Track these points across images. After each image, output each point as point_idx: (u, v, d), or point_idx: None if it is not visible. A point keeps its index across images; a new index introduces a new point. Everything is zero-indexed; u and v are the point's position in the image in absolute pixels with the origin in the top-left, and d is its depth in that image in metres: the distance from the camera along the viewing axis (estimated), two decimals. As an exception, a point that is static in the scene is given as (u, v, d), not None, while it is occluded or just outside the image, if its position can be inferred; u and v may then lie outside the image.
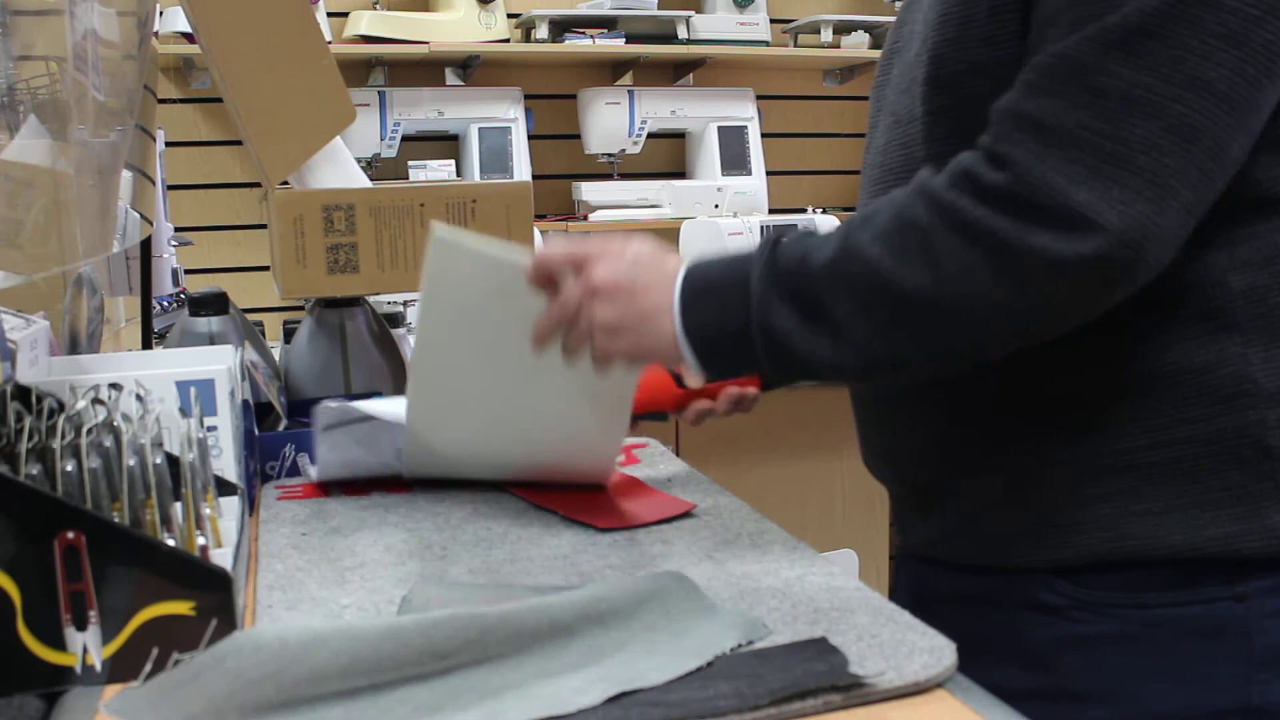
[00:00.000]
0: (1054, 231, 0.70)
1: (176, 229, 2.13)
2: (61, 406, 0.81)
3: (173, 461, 0.80)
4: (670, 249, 0.84)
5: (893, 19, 3.46)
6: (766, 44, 2.96)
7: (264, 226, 1.89)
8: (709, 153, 2.96)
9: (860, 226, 0.77)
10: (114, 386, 0.84)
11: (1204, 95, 0.69)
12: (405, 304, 2.31)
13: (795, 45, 3.05)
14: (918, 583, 0.94)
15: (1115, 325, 0.77)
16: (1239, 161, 0.73)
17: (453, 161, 2.76)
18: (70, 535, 0.65)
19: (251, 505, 1.03)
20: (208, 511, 0.83)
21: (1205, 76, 0.69)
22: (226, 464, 0.96)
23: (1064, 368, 0.80)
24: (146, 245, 1.56)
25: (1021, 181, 0.71)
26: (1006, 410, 0.83)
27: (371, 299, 1.37)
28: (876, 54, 2.99)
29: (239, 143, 2.38)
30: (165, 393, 0.92)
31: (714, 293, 0.80)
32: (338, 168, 1.30)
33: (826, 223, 2.63)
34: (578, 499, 1.02)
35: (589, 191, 2.88)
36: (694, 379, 0.94)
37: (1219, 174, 0.72)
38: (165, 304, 2.01)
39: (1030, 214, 0.70)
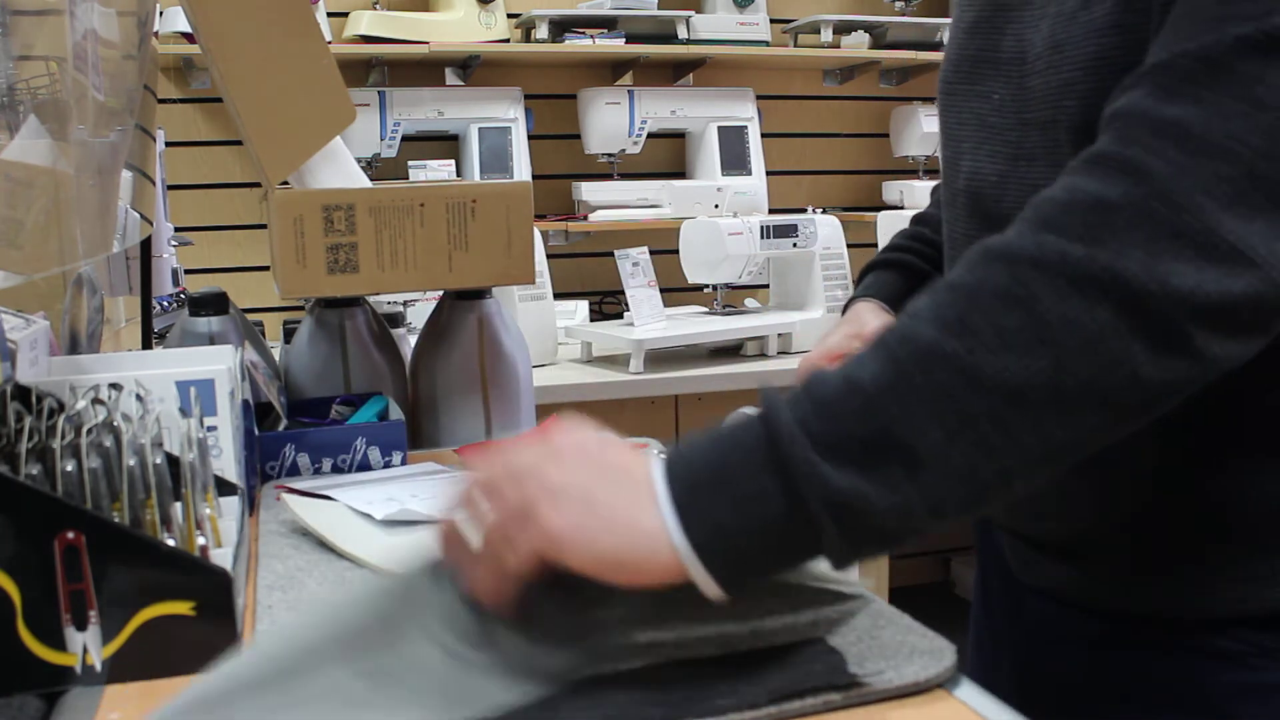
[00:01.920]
0: (1196, 265, 0.57)
1: (176, 229, 2.13)
2: (61, 406, 0.81)
3: (173, 461, 0.80)
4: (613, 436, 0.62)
5: (893, 19, 3.43)
6: (766, 44, 2.96)
7: (264, 226, 1.89)
8: (709, 153, 2.96)
9: (910, 323, 0.59)
10: (114, 386, 0.84)
11: None
12: (405, 304, 2.31)
13: (795, 45, 3.05)
14: (1051, 622, 0.85)
15: None
16: None
17: (453, 161, 2.76)
18: (70, 535, 0.65)
19: (251, 505, 1.03)
20: (208, 511, 0.83)
21: None
22: (226, 464, 0.96)
23: (1252, 413, 0.71)
24: (146, 245, 1.57)
25: (1159, 196, 0.58)
26: (1187, 455, 0.73)
27: (371, 299, 1.37)
28: (876, 54, 2.99)
29: (239, 143, 2.38)
30: (165, 393, 0.92)
31: (719, 484, 0.57)
32: (338, 168, 1.30)
33: (826, 222, 2.62)
34: None
35: (589, 191, 2.88)
36: None
37: None
38: (165, 304, 2.01)
39: (1166, 242, 0.57)
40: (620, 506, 0.58)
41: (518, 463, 0.60)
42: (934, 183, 1.08)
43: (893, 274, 0.98)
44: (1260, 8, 0.59)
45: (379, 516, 0.96)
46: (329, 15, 2.71)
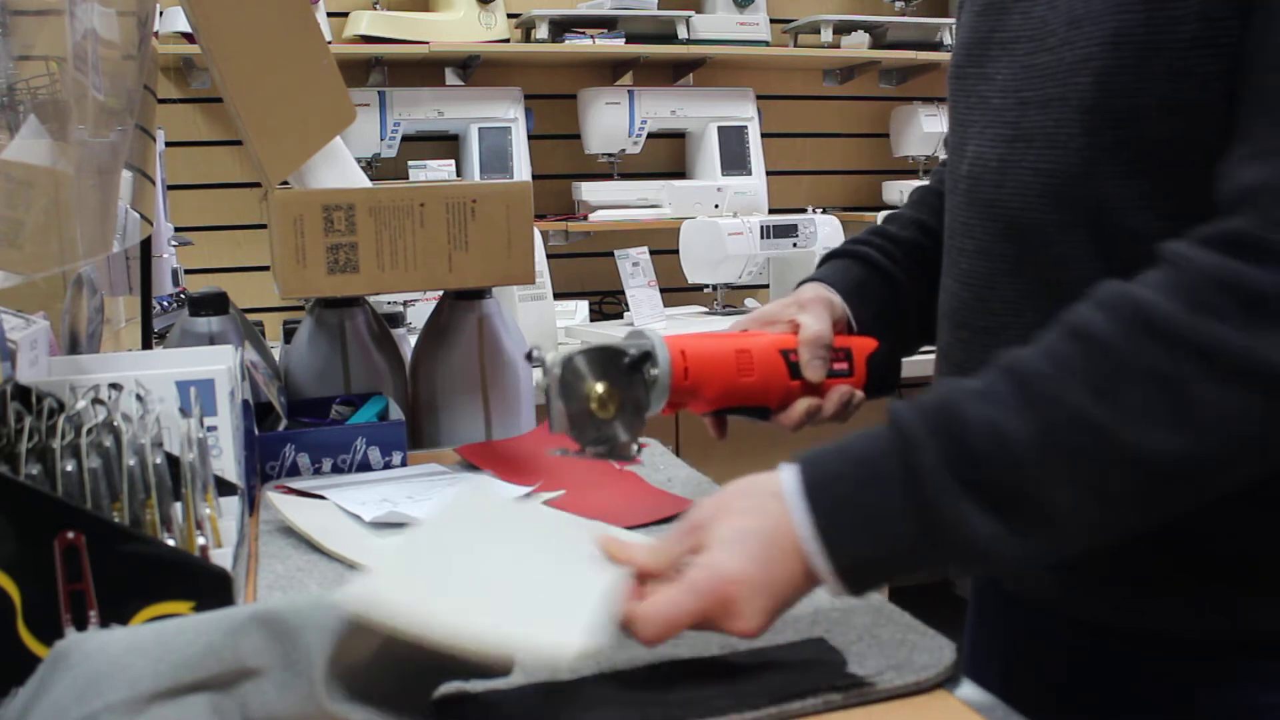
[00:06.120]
0: None
1: (176, 229, 2.13)
2: (61, 406, 0.81)
3: (173, 461, 0.80)
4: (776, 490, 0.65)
5: (893, 19, 3.43)
6: (766, 44, 2.96)
7: (264, 226, 1.89)
8: (709, 153, 2.95)
9: (1060, 379, 0.61)
10: (114, 386, 0.84)
11: None
12: (405, 304, 2.31)
13: (795, 45, 3.05)
14: (1024, 629, 0.85)
15: None
16: None
17: (453, 161, 2.76)
18: (70, 535, 0.65)
19: (251, 505, 1.03)
20: (208, 511, 0.83)
21: None
22: (226, 464, 0.96)
23: None
24: (146, 245, 1.56)
25: None
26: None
27: (371, 299, 1.37)
28: (876, 54, 2.99)
29: (239, 143, 2.38)
30: (165, 393, 0.92)
31: (867, 522, 0.62)
32: (338, 168, 1.30)
33: (826, 222, 2.62)
34: (588, 500, 1.02)
35: (589, 191, 2.88)
36: (814, 372, 0.84)
37: None
38: (165, 304, 2.01)
39: None
40: (779, 566, 0.63)
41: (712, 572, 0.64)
42: (931, 183, 1.08)
43: (850, 264, 0.96)
44: None
45: (368, 518, 0.96)
46: (329, 15, 2.71)
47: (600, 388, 0.78)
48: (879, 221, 1.05)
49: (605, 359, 0.79)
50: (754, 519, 0.65)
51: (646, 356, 0.80)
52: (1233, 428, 0.59)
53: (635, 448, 0.80)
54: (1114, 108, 0.68)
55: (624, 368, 0.80)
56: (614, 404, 0.79)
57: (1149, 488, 0.61)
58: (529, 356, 0.81)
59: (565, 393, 0.78)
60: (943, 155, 3.07)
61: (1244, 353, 0.58)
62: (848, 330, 0.91)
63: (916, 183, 3.07)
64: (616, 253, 2.48)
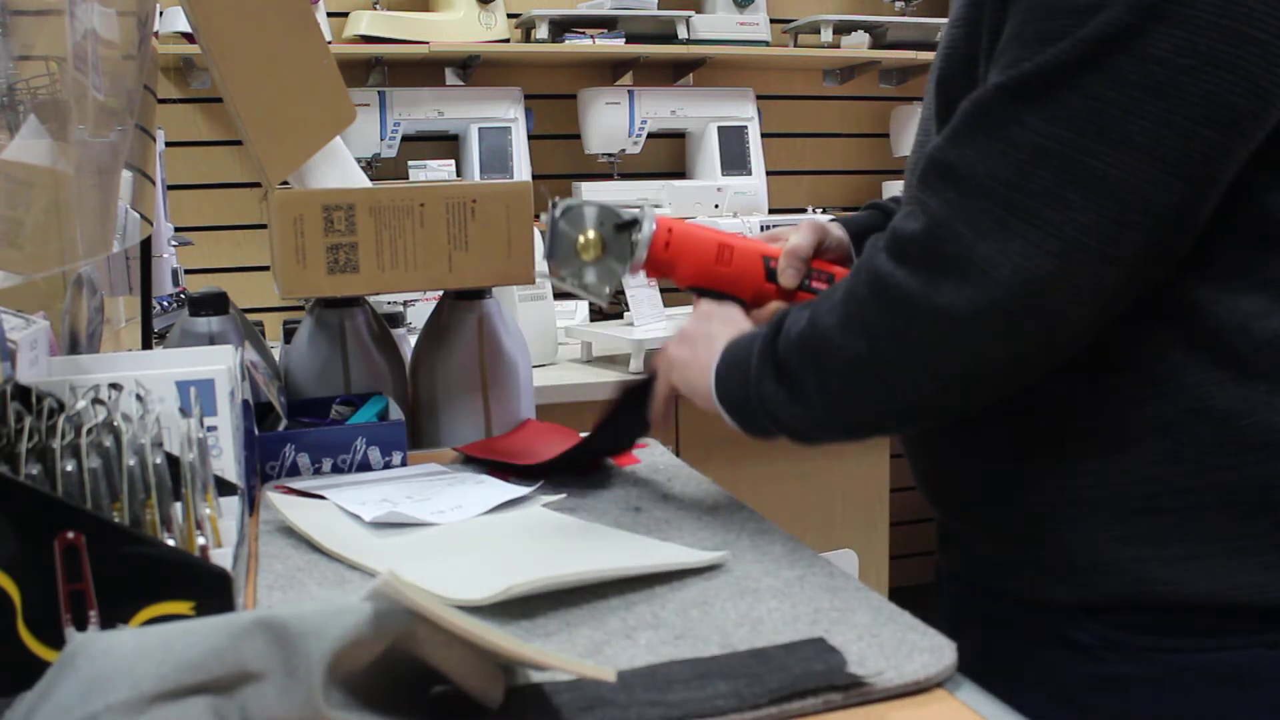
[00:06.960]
0: (956, 284, 0.71)
1: (176, 229, 2.13)
2: (61, 406, 0.81)
3: (173, 461, 0.80)
4: (736, 320, 0.95)
5: (893, 19, 3.43)
6: (766, 44, 2.96)
7: (264, 226, 1.89)
8: (709, 153, 2.95)
9: (825, 296, 0.81)
10: (114, 386, 0.84)
11: (1120, 148, 0.67)
12: (405, 304, 2.31)
13: (795, 45, 3.05)
14: (957, 602, 0.92)
15: (1139, 368, 0.75)
16: (1189, 214, 0.70)
17: (453, 161, 2.76)
18: (70, 535, 0.65)
19: (251, 505, 1.03)
20: (208, 511, 0.83)
21: (1123, 129, 0.67)
22: (226, 464, 0.96)
23: (1087, 408, 0.77)
24: (146, 245, 1.57)
25: (933, 233, 0.72)
26: (1030, 446, 0.80)
27: (371, 299, 1.37)
28: (876, 54, 2.99)
29: (239, 143, 2.38)
30: (165, 393, 0.92)
31: (737, 366, 0.87)
32: (338, 168, 1.30)
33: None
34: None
35: (589, 191, 2.88)
36: (787, 279, 0.99)
37: (1152, 228, 0.68)
38: (165, 304, 2.01)
39: (938, 267, 0.72)
40: (698, 368, 0.91)
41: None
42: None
43: (874, 213, 1.08)
44: (1019, 54, 0.71)
45: (367, 518, 0.96)
46: (329, 15, 2.71)
47: (591, 234, 0.97)
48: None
49: (603, 214, 0.98)
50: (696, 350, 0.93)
51: (636, 223, 0.97)
52: (893, 339, 0.75)
53: (606, 291, 0.99)
54: (947, 113, 0.78)
55: (614, 226, 0.97)
56: (595, 251, 0.97)
57: (852, 384, 0.78)
58: (552, 203, 0.99)
59: (559, 229, 0.98)
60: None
61: (889, 279, 0.74)
62: (847, 264, 1.03)
63: (916, 183, 3.07)
64: (616, 252, 2.48)
